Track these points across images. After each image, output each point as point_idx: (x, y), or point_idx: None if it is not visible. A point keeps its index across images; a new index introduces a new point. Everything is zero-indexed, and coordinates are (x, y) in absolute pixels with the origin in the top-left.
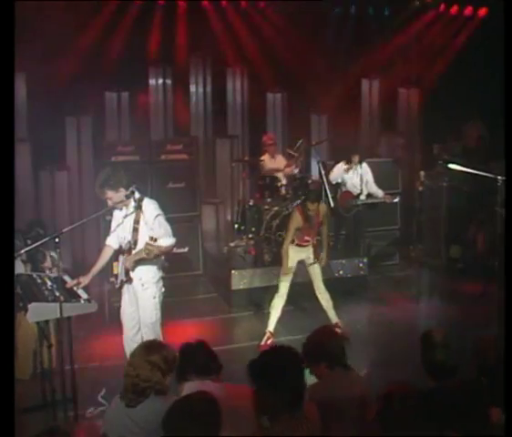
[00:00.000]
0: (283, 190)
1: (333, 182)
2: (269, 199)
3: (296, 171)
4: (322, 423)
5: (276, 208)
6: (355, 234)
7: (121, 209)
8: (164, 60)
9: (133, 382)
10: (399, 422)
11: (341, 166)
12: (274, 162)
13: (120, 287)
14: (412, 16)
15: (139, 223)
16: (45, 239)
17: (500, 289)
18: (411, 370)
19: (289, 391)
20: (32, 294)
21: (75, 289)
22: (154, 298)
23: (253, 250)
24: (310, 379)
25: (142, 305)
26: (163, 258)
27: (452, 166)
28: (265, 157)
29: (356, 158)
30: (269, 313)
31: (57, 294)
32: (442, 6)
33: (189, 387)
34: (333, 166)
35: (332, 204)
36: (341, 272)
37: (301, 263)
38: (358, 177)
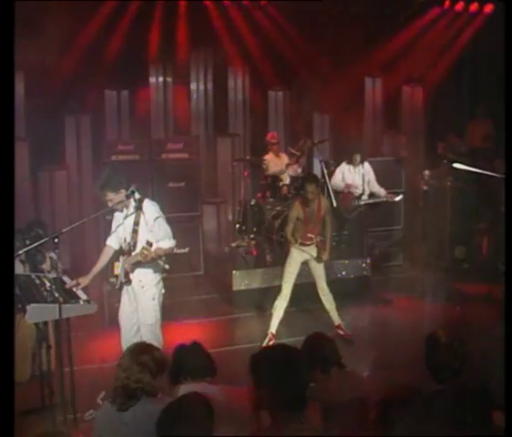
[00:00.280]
0: (285, 190)
1: (335, 188)
2: (271, 199)
3: (299, 170)
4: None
5: (278, 208)
6: (358, 234)
7: (122, 211)
8: (164, 58)
9: (123, 384)
10: (398, 427)
11: (342, 168)
12: (278, 161)
13: (120, 288)
14: (416, 13)
15: (139, 225)
16: (44, 240)
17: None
18: (415, 372)
19: (291, 388)
20: (31, 295)
21: (74, 289)
22: (154, 299)
23: (255, 251)
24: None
25: (142, 306)
26: (163, 258)
27: (457, 165)
28: (269, 157)
29: (358, 158)
30: (271, 314)
31: (56, 295)
32: (447, 3)
33: (184, 389)
34: (335, 167)
35: (334, 203)
36: (343, 273)
37: (304, 264)
38: (360, 178)
